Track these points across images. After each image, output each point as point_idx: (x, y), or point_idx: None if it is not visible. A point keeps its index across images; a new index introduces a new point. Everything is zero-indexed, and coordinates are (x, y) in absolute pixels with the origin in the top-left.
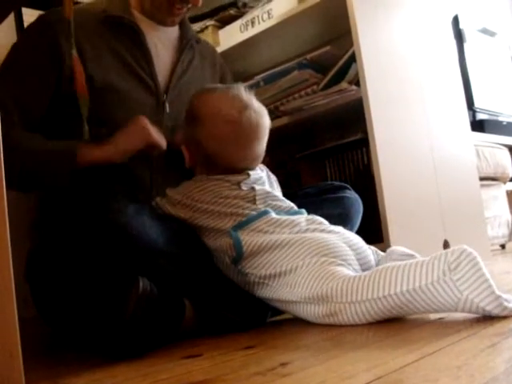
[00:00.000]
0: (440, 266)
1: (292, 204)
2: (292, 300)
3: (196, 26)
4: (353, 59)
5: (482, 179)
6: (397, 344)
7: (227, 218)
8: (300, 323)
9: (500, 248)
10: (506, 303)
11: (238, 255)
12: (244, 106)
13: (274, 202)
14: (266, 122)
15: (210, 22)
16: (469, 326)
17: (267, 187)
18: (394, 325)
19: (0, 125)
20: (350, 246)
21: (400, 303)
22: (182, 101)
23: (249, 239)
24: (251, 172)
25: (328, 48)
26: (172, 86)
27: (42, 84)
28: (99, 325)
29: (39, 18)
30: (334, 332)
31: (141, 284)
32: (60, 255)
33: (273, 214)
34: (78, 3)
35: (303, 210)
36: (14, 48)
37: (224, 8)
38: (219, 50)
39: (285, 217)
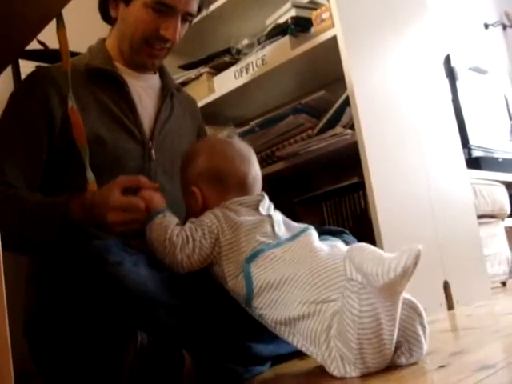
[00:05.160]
0: None
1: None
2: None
3: (191, 73)
4: (347, 103)
5: (479, 217)
6: None
7: (247, 247)
8: (302, 372)
9: (501, 285)
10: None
11: (248, 292)
12: (229, 137)
13: (290, 226)
14: (252, 154)
15: (204, 69)
16: (470, 374)
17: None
18: (391, 375)
19: None
20: None
21: None
22: (166, 147)
23: (260, 273)
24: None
25: (322, 93)
26: (156, 134)
27: (36, 143)
28: (97, 379)
29: (28, 77)
30: (336, 381)
31: (139, 338)
32: (57, 310)
33: (289, 242)
34: (75, 54)
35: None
36: (6, 109)
37: (218, 55)
38: (214, 96)
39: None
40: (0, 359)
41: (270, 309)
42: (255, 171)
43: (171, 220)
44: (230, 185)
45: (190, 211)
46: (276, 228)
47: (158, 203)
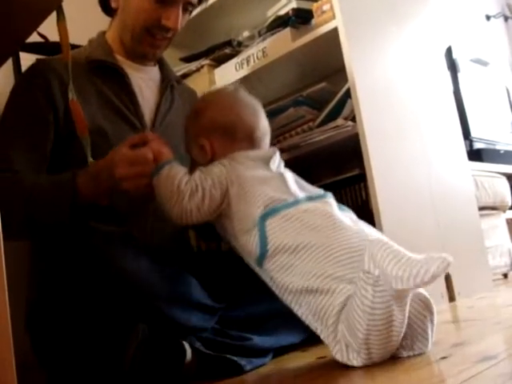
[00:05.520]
0: None
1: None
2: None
3: (192, 66)
4: (348, 95)
5: (481, 209)
6: None
7: (258, 201)
8: (303, 364)
9: (502, 277)
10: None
11: (262, 253)
12: (236, 90)
13: (305, 187)
14: (260, 107)
15: (205, 62)
16: (471, 366)
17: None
18: (393, 366)
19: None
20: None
21: None
22: (167, 138)
23: (276, 234)
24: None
25: (323, 85)
26: (157, 125)
27: (42, 133)
28: (99, 371)
29: (29, 68)
30: (339, 373)
31: (140, 330)
32: (59, 302)
33: (307, 203)
34: (75, 47)
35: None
36: (9, 100)
37: (219, 47)
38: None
39: (319, 204)
40: (2, 353)
41: (282, 273)
42: (264, 124)
43: (179, 169)
44: (239, 137)
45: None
46: (290, 185)
47: (166, 154)
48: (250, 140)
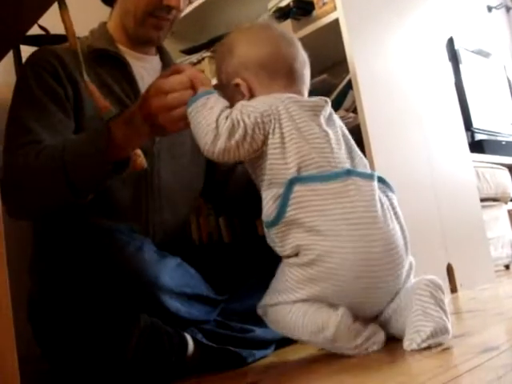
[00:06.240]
0: None
1: (368, 165)
2: None
3: (193, 58)
4: (349, 87)
5: (483, 200)
6: (399, 377)
7: (293, 159)
8: (305, 356)
9: (504, 269)
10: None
11: (277, 217)
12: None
13: (353, 154)
14: (297, 39)
15: (206, 54)
16: (474, 356)
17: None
18: (396, 355)
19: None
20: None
21: None
22: None
23: (298, 205)
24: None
25: (324, 76)
26: None
27: (60, 105)
28: (102, 361)
29: (32, 55)
30: (342, 365)
31: (142, 321)
32: (61, 293)
33: (347, 179)
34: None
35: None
36: (18, 87)
37: (220, 39)
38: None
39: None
40: (4, 344)
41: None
42: (302, 56)
43: (220, 100)
44: (277, 72)
45: None
46: (334, 148)
47: (204, 81)
48: (289, 74)
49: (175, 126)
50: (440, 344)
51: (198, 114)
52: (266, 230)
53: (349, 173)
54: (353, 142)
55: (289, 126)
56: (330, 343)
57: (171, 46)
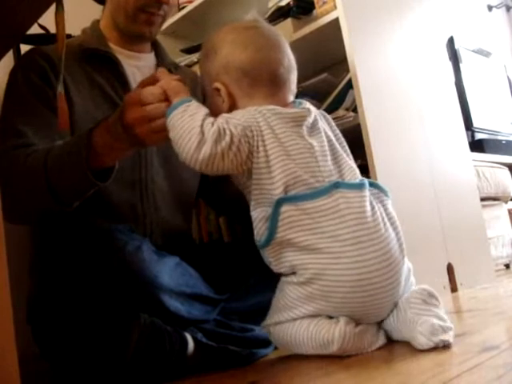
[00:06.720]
0: None
1: (357, 172)
2: None
3: (193, 57)
4: (349, 86)
5: (483, 199)
6: (399, 377)
7: (279, 179)
8: (305, 355)
9: (504, 268)
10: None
11: (268, 238)
12: (255, 22)
13: (340, 163)
14: (284, 41)
15: None
16: (475, 355)
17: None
18: (395, 355)
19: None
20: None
21: None
22: None
23: (288, 225)
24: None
25: (325, 75)
26: None
27: (48, 107)
28: (101, 361)
29: (22, 57)
30: (341, 364)
31: (142, 320)
32: (60, 294)
33: (336, 193)
34: (69, 37)
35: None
36: (9, 88)
37: None
38: None
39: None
40: (5, 345)
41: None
42: (288, 60)
43: (201, 108)
44: (260, 79)
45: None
46: (320, 161)
47: (178, 88)
48: (273, 81)
49: (153, 137)
50: (443, 342)
51: (179, 121)
52: (260, 250)
53: (337, 186)
54: (340, 150)
55: (273, 143)
56: (340, 354)
57: (171, 46)
